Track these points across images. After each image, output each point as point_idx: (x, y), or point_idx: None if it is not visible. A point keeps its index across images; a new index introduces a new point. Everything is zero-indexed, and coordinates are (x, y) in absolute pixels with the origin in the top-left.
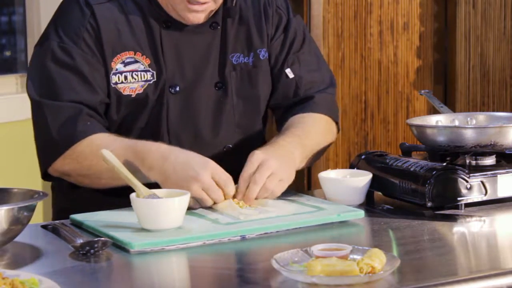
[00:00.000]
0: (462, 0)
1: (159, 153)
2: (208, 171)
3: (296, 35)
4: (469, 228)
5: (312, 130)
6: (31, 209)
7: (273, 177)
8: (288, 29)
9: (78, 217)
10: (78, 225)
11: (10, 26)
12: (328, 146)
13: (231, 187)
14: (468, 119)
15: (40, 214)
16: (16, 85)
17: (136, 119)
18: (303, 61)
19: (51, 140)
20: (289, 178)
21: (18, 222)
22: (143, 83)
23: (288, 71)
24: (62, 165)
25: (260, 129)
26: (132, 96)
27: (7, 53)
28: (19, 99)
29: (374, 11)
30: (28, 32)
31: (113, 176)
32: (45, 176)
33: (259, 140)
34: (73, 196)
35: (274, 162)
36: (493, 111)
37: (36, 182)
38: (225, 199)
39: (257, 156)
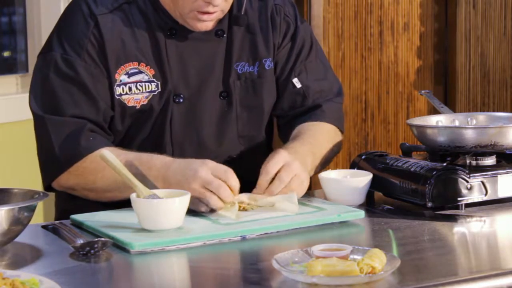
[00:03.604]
0: (462, 0)
1: (162, 163)
2: (206, 167)
3: (304, 43)
4: (470, 228)
5: (321, 140)
6: (32, 209)
7: (297, 178)
8: (296, 37)
9: (78, 217)
10: (78, 226)
11: (10, 26)
12: (334, 155)
13: (233, 179)
14: (469, 119)
15: (41, 215)
16: (16, 85)
17: (140, 129)
18: (310, 70)
19: (54, 156)
20: (307, 182)
21: (19, 223)
22: (147, 94)
23: (295, 80)
24: (67, 180)
25: (263, 139)
26: (137, 107)
27: (7, 53)
28: (19, 99)
29: (374, 11)
30: (28, 32)
31: (119, 189)
32: (48, 189)
33: (263, 150)
34: (75, 198)
35: (298, 165)
36: (494, 111)
37: (36, 183)
38: (232, 193)
39: (283, 155)
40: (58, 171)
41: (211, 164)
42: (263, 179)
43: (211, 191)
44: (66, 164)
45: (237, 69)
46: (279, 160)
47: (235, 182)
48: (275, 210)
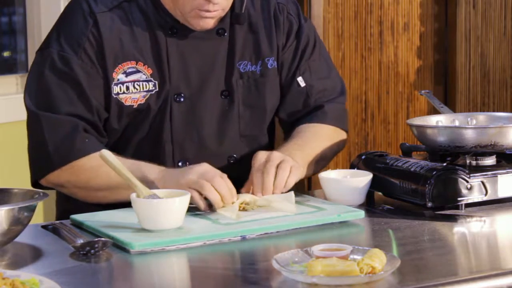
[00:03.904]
0: (462, 0)
1: (160, 168)
2: (203, 165)
3: (308, 42)
4: (470, 228)
5: (312, 138)
6: (32, 209)
7: (284, 163)
8: (300, 36)
9: (78, 217)
10: (79, 225)
11: (10, 26)
12: (335, 153)
13: (226, 180)
14: (469, 119)
15: (41, 215)
16: (16, 85)
17: (138, 128)
18: (314, 68)
19: (47, 154)
20: (298, 166)
21: (19, 223)
22: (145, 93)
23: (299, 79)
24: (57, 177)
25: (265, 140)
26: (134, 106)
27: (7, 53)
28: (19, 99)
29: (374, 11)
30: (28, 32)
31: (111, 190)
32: (35, 185)
33: (265, 150)
34: (76, 198)
35: (280, 154)
36: (494, 111)
37: None
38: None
39: (262, 153)
40: (49, 168)
41: (208, 166)
42: (255, 177)
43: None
44: (59, 163)
45: (239, 68)
46: (261, 157)
47: (229, 183)
48: (273, 210)
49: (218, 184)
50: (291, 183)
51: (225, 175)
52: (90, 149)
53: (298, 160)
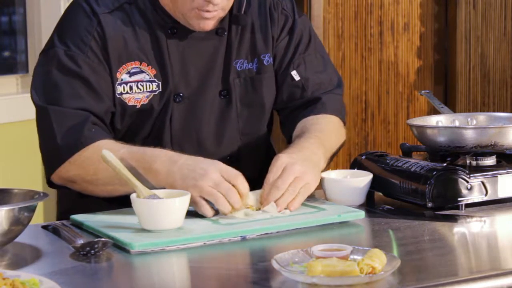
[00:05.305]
0: (462, 0)
1: (167, 157)
2: (216, 168)
3: (302, 36)
4: (470, 228)
5: (328, 132)
6: (32, 209)
7: (298, 181)
8: (294, 30)
9: (79, 217)
10: (79, 226)
11: (10, 26)
12: (341, 147)
13: (243, 185)
14: (469, 119)
15: (41, 215)
16: (16, 85)
17: (140, 128)
18: (309, 62)
19: (56, 146)
20: (314, 181)
21: (19, 223)
22: (148, 93)
23: (294, 73)
24: (67, 171)
25: (265, 136)
26: (137, 107)
27: (7, 54)
28: (19, 100)
29: (374, 11)
30: (28, 32)
31: (120, 182)
32: (50, 183)
33: (264, 146)
34: (78, 197)
35: (299, 167)
36: (494, 111)
37: (36, 183)
38: (240, 197)
39: (281, 161)
40: (59, 161)
41: (221, 165)
42: (265, 188)
43: (219, 192)
44: (68, 153)
45: (236, 66)
46: (278, 166)
47: (244, 188)
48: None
49: (232, 199)
50: (294, 206)
51: (241, 175)
52: (96, 137)
53: (321, 158)
